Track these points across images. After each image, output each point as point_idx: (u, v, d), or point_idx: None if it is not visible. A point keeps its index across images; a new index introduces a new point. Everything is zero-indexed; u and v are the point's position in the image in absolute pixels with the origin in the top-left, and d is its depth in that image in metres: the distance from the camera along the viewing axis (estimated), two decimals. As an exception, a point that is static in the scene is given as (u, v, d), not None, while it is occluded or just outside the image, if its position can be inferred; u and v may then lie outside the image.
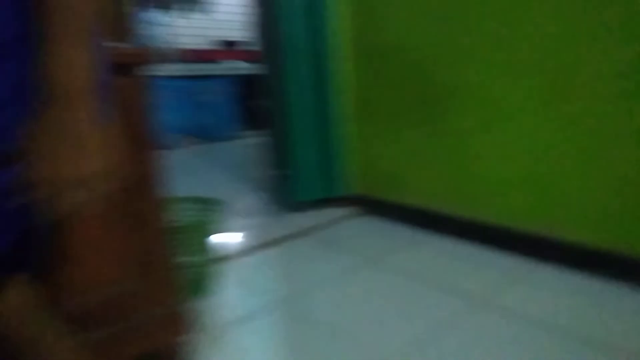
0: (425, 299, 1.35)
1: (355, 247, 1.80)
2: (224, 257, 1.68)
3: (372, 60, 1.99)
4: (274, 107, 2.69)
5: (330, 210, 2.19)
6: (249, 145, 4.25)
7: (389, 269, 1.57)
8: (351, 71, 2.08)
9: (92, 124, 0.49)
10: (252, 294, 1.45)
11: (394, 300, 1.36)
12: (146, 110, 0.89)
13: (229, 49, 4.66)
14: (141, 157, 0.91)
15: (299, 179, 2.05)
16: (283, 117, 2.13)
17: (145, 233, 0.95)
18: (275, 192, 2.26)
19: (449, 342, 1.13)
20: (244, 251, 1.77)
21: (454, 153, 1.77)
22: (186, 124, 4.24)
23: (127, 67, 0.86)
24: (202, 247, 1.36)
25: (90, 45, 0.49)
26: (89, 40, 0.49)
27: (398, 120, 1.94)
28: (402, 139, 1.94)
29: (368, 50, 2.00)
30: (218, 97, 4.40)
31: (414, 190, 1.95)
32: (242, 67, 4.51)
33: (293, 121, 2.00)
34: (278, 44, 1.97)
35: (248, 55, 4.64)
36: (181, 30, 4.52)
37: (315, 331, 1.22)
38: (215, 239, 1.44)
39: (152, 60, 0.88)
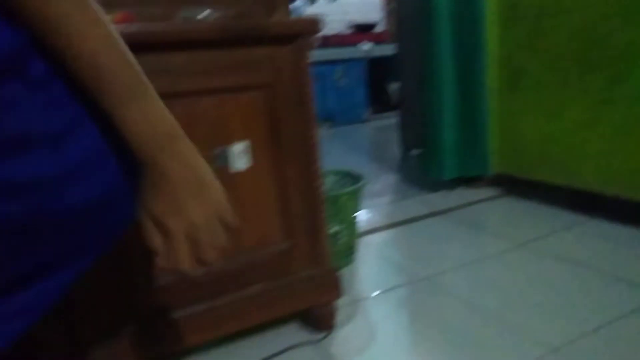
0: (594, 288, 1.21)
1: (500, 228, 1.70)
2: (363, 232, 1.72)
3: (522, 25, 1.83)
4: (408, 85, 2.64)
5: (470, 190, 2.09)
6: (381, 127, 4.26)
7: (541, 252, 1.45)
8: (497, 39, 1.94)
9: (198, 156, 0.50)
10: (390, 270, 1.45)
11: (556, 286, 1.25)
12: (309, 79, 0.94)
13: (360, 32, 4.69)
14: (304, 124, 0.96)
15: (437, 157, 1.99)
16: (421, 94, 2.08)
17: (306, 198, 1.01)
18: (411, 171, 2.23)
19: (622, 334, 1.01)
20: (381, 227, 1.78)
21: (622, 126, 1.54)
22: (319, 108, 4.40)
23: (291, 37, 0.91)
24: (347, 218, 1.41)
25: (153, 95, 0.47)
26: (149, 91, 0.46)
27: (555, 90, 1.75)
28: (560, 112, 1.75)
29: (517, 15, 1.84)
30: (350, 81, 4.48)
31: (569, 168, 1.75)
32: (373, 49, 4.52)
33: (434, 97, 1.94)
34: (420, 16, 1.91)
35: (379, 38, 4.63)
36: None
37: (458, 310, 1.18)
38: (358, 212, 1.47)
39: (315, 31, 0.92)
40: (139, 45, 0.79)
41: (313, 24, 0.91)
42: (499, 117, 2.01)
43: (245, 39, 0.87)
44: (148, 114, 0.45)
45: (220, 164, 0.91)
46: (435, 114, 1.95)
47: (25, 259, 0.42)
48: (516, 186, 1.99)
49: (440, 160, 1.98)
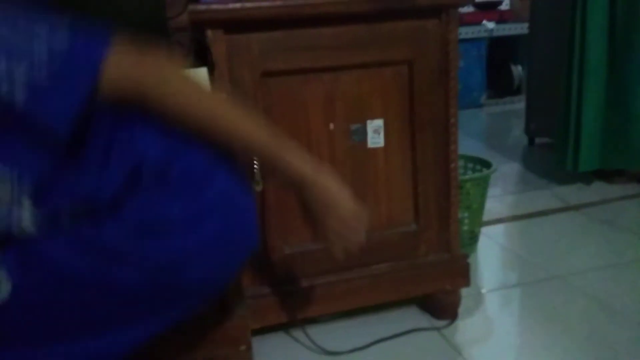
0: None
1: (647, 230, 1.49)
2: (486, 221, 1.62)
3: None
4: (539, 68, 2.42)
5: (610, 185, 1.86)
6: (499, 112, 4.00)
7: None
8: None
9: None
10: (514, 263, 1.36)
11: None
12: (456, 54, 0.89)
13: (482, 10, 4.39)
14: (444, 102, 0.92)
15: (573, 146, 1.80)
16: (557, 76, 1.89)
17: (439, 180, 0.97)
18: (537, 161, 2.05)
19: None
20: (506, 218, 1.68)
21: None
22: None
23: (438, 9, 0.87)
24: (472, 205, 1.34)
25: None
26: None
27: None
28: None
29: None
30: (468, 63, 4.23)
31: None
32: (495, 28, 4.21)
33: (575, 78, 1.74)
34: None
35: (502, 16, 4.30)
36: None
37: (590, 312, 1.07)
38: (485, 199, 1.39)
39: (463, 2, 0.86)
40: (286, 21, 0.82)
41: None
42: (654, 103, 1.74)
43: (392, 12, 0.84)
44: (298, 153, 0.63)
45: (356, 140, 0.91)
46: (576, 97, 1.75)
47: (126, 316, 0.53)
48: (669, 184, 1.73)
49: (577, 150, 1.78)
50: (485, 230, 1.56)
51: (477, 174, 1.32)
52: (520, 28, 3.97)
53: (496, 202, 1.83)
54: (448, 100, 0.93)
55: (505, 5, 4.50)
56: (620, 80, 1.70)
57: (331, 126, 0.89)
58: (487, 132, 3.39)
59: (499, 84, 4.37)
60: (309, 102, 0.88)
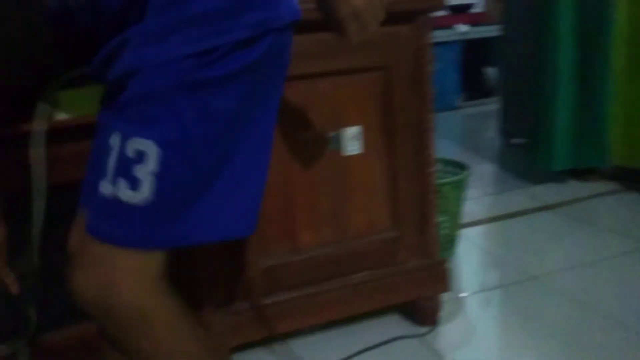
0: None
1: (619, 227, 1.52)
2: (464, 224, 1.63)
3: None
4: (512, 69, 2.46)
5: (583, 184, 1.90)
6: (475, 114, 4.05)
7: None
8: (626, 15, 1.71)
9: None
10: (492, 265, 1.37)
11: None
12: (429, 59, 0.89)
13: (455, 13, 4.45)
14: (419, 107, 0.92)
15: (547, 146, 1.83)
16: (530, 78, 1.92)
17: (416, 185, 0.97)
18: (512, 162, 2.08)
19: None
20: (484, 220, 1.69)
21: None
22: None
23: (411, 14, 0.86)
24: (450, 209, 1.34)
25: None
26: None
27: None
28: None
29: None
30: (442, 65, 4.27)
31: None
32: (468, 31, 4.27)
33: (549, 79, 1.77)
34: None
35: (475, 19, 4.36)
36: None
37: (570, 311, 1.09)
38: (462, 203, 1.40)
39: (437, 7, 0.86)
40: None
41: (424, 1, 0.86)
42: (623, 102, 1.78)
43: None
44: None
45: (333, 147, 0.90)
46: (548, 98, 1.78)
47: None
48: (638, 180, 1.77)
49: (551, 150, 1.82)
50: (464, 233, 1.57)
51: (453, 178, 1.32)
52: (493, 30, 4.04)
53: (474, 204, 1.84)
54: (423, 105, 0.93)
55: (478, 8, 4.58)
56: (590, 80, 1.74)
57: (308, 134, 0.88)
58: (463, 134, 3.43)
59: (474, 86, 4.44)
60: (285, 110, 0.86)
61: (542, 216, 1.67)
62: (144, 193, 0.52)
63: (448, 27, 4.25)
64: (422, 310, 1.05)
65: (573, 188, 1.87)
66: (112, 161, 0.52)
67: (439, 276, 1.03)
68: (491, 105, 4.03)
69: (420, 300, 1.04)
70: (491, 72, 4.19)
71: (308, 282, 0.94)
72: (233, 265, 0.88)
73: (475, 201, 1.88)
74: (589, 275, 1.24)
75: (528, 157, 2.00)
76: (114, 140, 0.52)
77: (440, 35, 4.19)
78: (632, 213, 1.61)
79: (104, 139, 0.54)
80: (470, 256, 1.43)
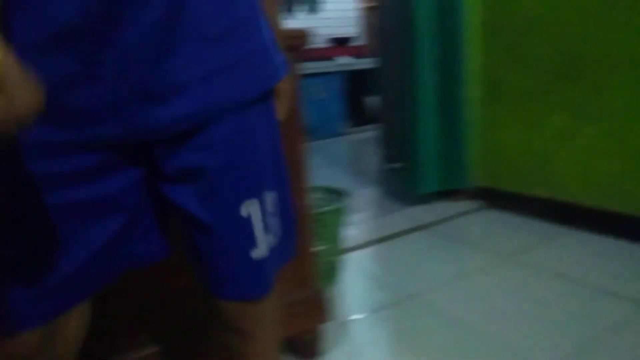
0: (576, 301, 1.21)
1: (482, 242, 1.69)
2: (346, 249, 1.68)
3: (502, 38, 1.85)
4: (387, 99, 2.64)
5: (451, 204, 2.08)
6: (359, 140, 4.26)
7: (525, 265, 1.44)
8: (478, 52, 1.95)
9: None
10: (375, 289, 1.42)
11: (539, 299, 1.24)
12: (298, 92, 0.90)
13: (338, 45, 4.70)
14: (292, 139, 0.92)
15: (418, 170, 1.98)
16: (400, 107, 2.08)
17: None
18: (392, 185, 2.21)
19: (618, 346, 0.99)
20: (364, 244, 1.75)
21: (602, 138, 1.57)
22: (296, 122, 4.34)
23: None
24: (333, 236, 1.36)
25: None
26: None
27: (534, 102, 1.77)
28: (540, 123, 1.77)
29: (498, 28, 1.86)
30: (328, 94, 4.46)
31: (549, 180, 1.77)
32: (350, 63, 4.52)
33: (414, 109, 1.93)
34: (401, 30, 1.90)
35: (357, 51, 4.65)
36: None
37: (443, 328, 1.15)
38: (342, 229, 1.43)
39: (303, 44, 0.88)
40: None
41: (301, 36, 0.88)
42: (479, 129, 2.01)
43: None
44: None
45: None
46: (414, 127, 1.94)
47: None
48: (497, 198, 1.99)
49: (421, 174, 1.97)
50: (349, 257, 1.61)
51: (333, 205, 1.36)
52: (371, 62, 4.35)
53: (358, 229, 1.91)
54: (296, 137, 0.93)
55: (359, 41, 4.90)
56: (450, 110, 1.93)
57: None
58: (347, 160, 3.58)
59: (357, 114, 4.69)
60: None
61: (417, 236, 1.79)
62: (277, 236, 0.60)
63: (331, 58, 4.47)
64: (302, 343, 1.03)
65: (443, 208, 2.04)
66: (258, 226, 0.56)
67: (318, 308, 1.02)
68: (374, 132, 4.29)
69: (299, 333, 1.03)
70: (372, 101, 4.47)
71: (182, 333, 0.87)
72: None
73: (359, 225, 1.95)
74: (458, 290, 1.34)
75: (402, 181, 2.14)
76: (250, 208, 0.55)
77: (323, 66, 4.39)
78: (491, 229, 1.80)
79: (227, 215, 0.54)
80: (355, 280, 1.47)
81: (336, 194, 1.47)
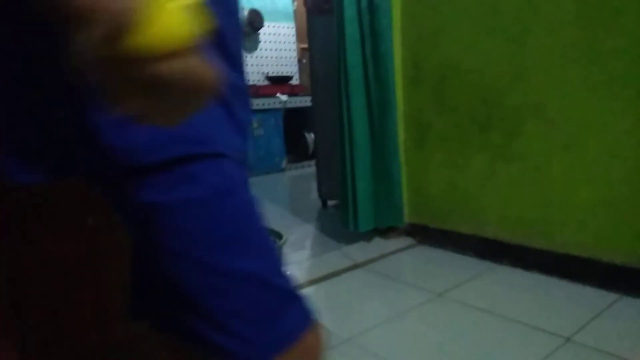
0: (506, 336, 1.26)
1: (416, 279, 1.74)
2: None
3: (426, 84, 1.97)
4: (323, 137, 2.70)
5: (386, 241, 2.13)
6: (299, 176, 4.29)
7: (456, 302, 1.49)
8: (405, 97, 2.07)
9: None
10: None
11: (470, 336, 1.28)
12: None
13: (276, 84, 4.78)
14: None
15: (353, 209, 2.02)
16: (336, 147, 2.13)
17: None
18: (330, 222, 2.23)
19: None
20: (302, 284, 1.74)
21: (518, 178, 1.69)
22: (235, 158, 4.32)
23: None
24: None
25: None
26: None
27: (458, 145, 1.89)
28: (463, 165, 1.89)
29: (422, 74, 1.99)
30: (266, 131, 4.49)
31: (474, 218, 1.87)
32: (289, 100, 4.61)
33: (349, 149, 1.99)
34: (337, 73, 1.97)
35: (294, 90, 4.75)
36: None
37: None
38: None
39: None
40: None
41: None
42: (409, 170, 2.11)
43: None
44: None
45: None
46: (349, 167, 1.99)
47: None
48: (428, 235, 2.07)
49: (356, 212, 2.01)
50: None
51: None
52: (308, 100, 4.45)
53: (296, 268, 1.90)
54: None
55: (295, 80, 5.03)
56: (382, 152, 2.01)
57: (89, 220, 0.79)
58: (287, 196, 3.58)
59: (296, 150, 4.75)
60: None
61: (354, 275, 1.80)
62: None
63: (271, 95, 4.53)
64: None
65: (378, 245, 2.09)
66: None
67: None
68: (313, 168, 4.35)
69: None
70: (311, 137, 4.56)
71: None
72: None
73: (297, 265, 1.94)
74: (390, 331, 1.36)
75: (339, 218, 2.17)
76: None
77: (264, 103, 4.44)
78: (424, 266, 1.86)
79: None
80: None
81: (274, 235, 1.46)
